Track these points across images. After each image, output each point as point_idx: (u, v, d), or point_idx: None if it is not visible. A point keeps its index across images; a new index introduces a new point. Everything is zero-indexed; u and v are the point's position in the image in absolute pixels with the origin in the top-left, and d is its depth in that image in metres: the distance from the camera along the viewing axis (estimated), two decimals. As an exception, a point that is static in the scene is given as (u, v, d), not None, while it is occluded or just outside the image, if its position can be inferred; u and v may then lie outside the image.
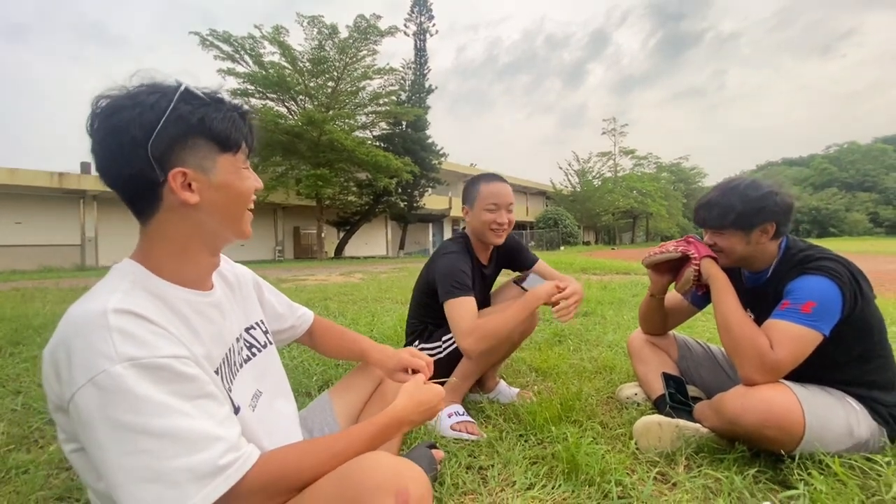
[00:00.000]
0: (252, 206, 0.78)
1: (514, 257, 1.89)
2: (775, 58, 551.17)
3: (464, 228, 1.85)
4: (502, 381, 1.91)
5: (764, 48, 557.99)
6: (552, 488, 1.16)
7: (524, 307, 1.51)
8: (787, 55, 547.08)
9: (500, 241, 1.70)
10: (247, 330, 0.90)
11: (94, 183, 15.53)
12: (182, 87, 0.66)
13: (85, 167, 16.29)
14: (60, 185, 15.13)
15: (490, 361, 1.70)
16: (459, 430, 1.49)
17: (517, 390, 1.87)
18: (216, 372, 0.71)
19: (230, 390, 0.74)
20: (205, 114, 0.67)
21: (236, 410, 0.73)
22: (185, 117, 0.65)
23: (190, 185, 0.67)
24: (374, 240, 24.53)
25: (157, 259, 0.70)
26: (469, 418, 1.57)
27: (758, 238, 1.34)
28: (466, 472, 1.25)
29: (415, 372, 1.12)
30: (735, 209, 1.33)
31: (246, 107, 0.75)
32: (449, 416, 1.53)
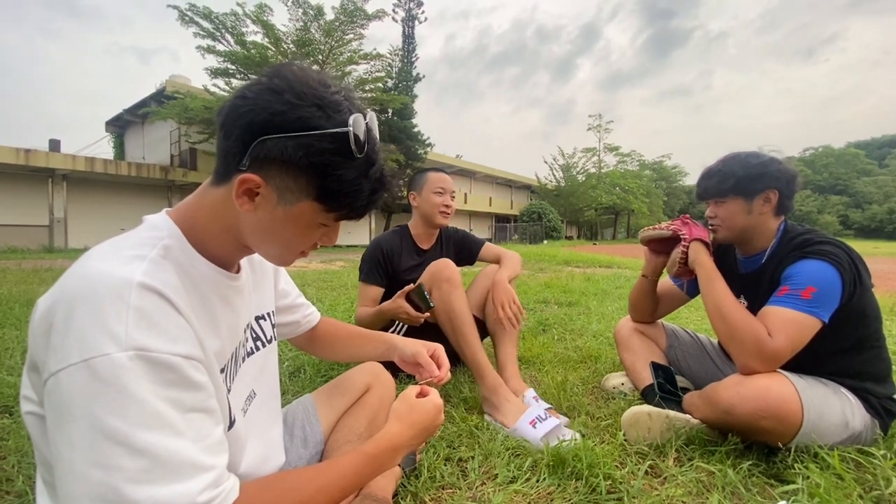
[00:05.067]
0: (306, 252, 0.66)
1: (463, 245, 2.04)
2: (761, 60, 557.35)
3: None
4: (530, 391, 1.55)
5: (750, 50, 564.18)
6: (536, 482, 1.08)
7: (380, 311, 1.66)
8: (772, 58, 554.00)
9: (447, 221, 1.90)
10: (257, 319, 0.78)
11: (63, 162, 14.77)
12: (350, 130, 0.55)
13: (54, 145, 15.51)
14: (27, 162, 14.34)
15: (464, 342, 1.51)
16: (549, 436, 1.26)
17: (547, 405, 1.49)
18: (222, 371, 0.61)
19: (229, 391, 0.64)
20: (335, 164, 0.56)
21: (231, 423, 0.62)
22: (313, 152, 0.55)
23: (255, 196, 0.57)
24: (357, 229, 24.11)
25: (198, 226, 0.61)
26: (555, 419, 1.31)
27: (760, 208, 1.30)
28: (445, 464, 1.15)
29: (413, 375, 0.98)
30: (736, 174, 1.30)
31: (388, 179, 0.62)
32: (532, 426, 1.29)
